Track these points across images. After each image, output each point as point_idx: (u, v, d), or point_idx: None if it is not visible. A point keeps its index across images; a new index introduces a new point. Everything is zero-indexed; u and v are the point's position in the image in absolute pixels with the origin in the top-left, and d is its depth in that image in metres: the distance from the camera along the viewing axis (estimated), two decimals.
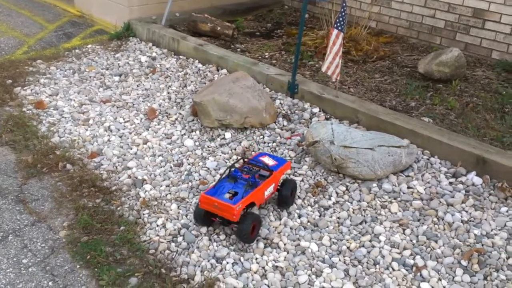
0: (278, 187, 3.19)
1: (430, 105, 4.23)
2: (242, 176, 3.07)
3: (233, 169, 3.12)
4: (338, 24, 3.77)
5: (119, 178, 3.53)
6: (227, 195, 2.91)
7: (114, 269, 2.72)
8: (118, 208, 3.22)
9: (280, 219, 3.11)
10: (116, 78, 5.01)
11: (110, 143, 3.92)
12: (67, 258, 2.81)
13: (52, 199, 3.30)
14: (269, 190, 3.11)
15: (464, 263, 2.77)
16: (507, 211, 3.11)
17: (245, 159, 3.25)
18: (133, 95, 4.67)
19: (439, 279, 2.69)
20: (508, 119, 3.96)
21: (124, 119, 4.27)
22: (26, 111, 4.34)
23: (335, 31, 3.80)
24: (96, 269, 2.73)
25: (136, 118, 4.29)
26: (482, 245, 2.86)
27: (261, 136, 3.96)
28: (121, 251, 2.87)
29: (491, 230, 2.98)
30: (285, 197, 3.16)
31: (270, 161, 3.24)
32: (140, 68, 5.20)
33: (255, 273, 2.74)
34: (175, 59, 5.36)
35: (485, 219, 3.05)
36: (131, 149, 3.86)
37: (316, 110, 4.19)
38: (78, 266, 2.76)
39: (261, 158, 3.27)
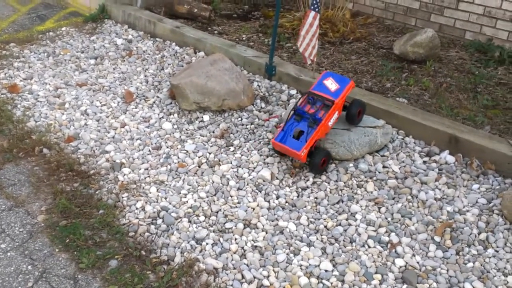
0: (347, 104, 3.45)
1: (405, 85, 4.30)
2: (306, 112, 3.31)
3: (297, 107, 3.36)
4: (316, 5, 3.78)
5: (97, 162, 3.52)
6: (293, 134, 3.27)
7: (93, 252, 2.73)
8: (97, 192, 3.22)
9: (256, 200, 3.16)
10: (92, 61, 4.95)
11: (87, 127, 3.89)
12: (46, 242, 2.81)
13: (29, 183, 3.28)
14: (333, 119, 3.34)
15: (437, 239, 2.85)
16: (478, 188, 3.20)
17: (309, 91, 3.41)
18: (110, 78, 4.63)
19: (413, 255, 2.77)
20: (480, 99, 4.05)
21: (100, 103, 4.23)
22: (0, 95, 4.27)
23: (312, 13, 3.81)
24: (75, 252, 2.74)
25: (113, 101, 4.26)
26: (455, 221, 2.95)
27: (239, 118, 3.98)
28: (101, 234, 2.88)
29: (463, 207, 3.07)
30: (352, 115, 3.44)
31: (333, 85, 3.37)
32: (116, 51, 5.15)
33: (235, 253, 2.78)
34: (152, 42, 5.31)
35: (458, 196, 3.14)
36: (108, 132, 3.84)
37: (293, 91, 4.22)
38: (57, 250, 2.76)
39: (325, 82, 3.41)
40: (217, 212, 3.07)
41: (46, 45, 5.31)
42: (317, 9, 3.79)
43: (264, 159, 3.49)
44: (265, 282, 2.59)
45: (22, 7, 6.35)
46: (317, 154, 3.28)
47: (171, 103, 4.20)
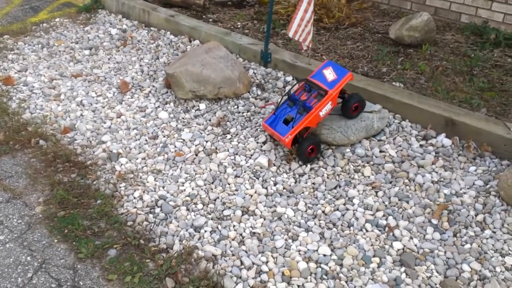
0: (346, 95, 3.42)
1: (401, 70, 4.29)
2: (300, 99, 3.29)
3: (291, 93, 3.35)
4: None
5: (93, 152, 3.51)
6: (286, 118, 3.26)
7: (92, 242, 2.74)
8: (94, 182, 3.22)
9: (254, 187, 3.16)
10: (87, 52, 4.92)
11: (83, 118, 3.88)
12: (44, 233, 2.82)
13: (26, 175, 3.28)
14: (326, 109, 3.28)
15: (434, 221, 2.87)
16: (475, 170, 3.21)
17: (306, 79, 3.40)
18: (105, 69, 4.61)
19: (411, 238, 2.78)
20: (477, 81, 4.05)
21: (96, 93, 4.22)
22: None
23: None
24: (74, 243, 2.75)
25: (109, 92, 4.25)
26: (452, 203, 2.96)
27: (236, 106, 3.97)
28: (99, 224, 2.89)
29: (460, 189, 3.08)
30: (347, 109, 3.39)
31: (331, 75, 3.34)
32: (110, 41, 5.12)
33: (233, 240, 2.79)
34: (146, 31, 5.28)
35: (455, 179, 3.15)
36: (104, 123, 3.84)
37: (289, 78, 4.21)
38: (56, 241, 2.77)
39: (324, 71, 3.38)
40: (215, 200, 3.08)
41: (40, 36, 5.27)
42: None
43: (261, 146, 3.49)
44: (264, 268, 2.61)
45: None
46: (304, 141, 3.23)
47: (167, 92, 4.19)
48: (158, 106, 4.03)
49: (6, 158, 3.43)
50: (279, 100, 3.85)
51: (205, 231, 2.84)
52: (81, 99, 4.11)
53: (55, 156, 3.42)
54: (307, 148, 3.22)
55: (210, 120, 3.83)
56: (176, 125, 3.79)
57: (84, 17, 5.76)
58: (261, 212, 2.98)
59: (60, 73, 4.53)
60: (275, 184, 3.19)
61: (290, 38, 4.85)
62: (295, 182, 3.22)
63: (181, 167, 3.35)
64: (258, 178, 3.24)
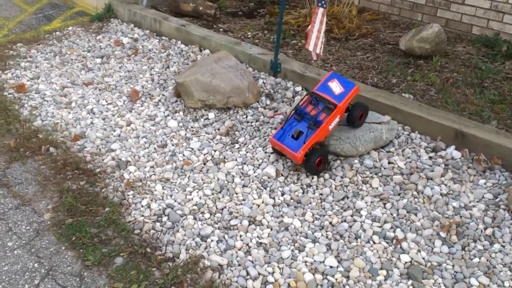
0: (349, 106, 3.38)
1: (411, 81, 4.28)
2: (308, 113, 3.27)
3: (299, 107, 3.33)
4: (323, 1, 3.76)
5: (103, 160, 3.54)
6: (293, 134, 3.23)
7: (99, 250, 2.75)
8: (103, 190, 3.24)
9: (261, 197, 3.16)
10: (98, 60, 4.97)
11: (93, 126, 3.92)
12: (52, 240, 2.84)
13: (36, 182, 3.31)
14: (334, 123, 3.29)
15: (443, 234, 2.84)
16: (485, 183, 3.18)
17: (312, 92, 3.38)
18: (116, 77, 4.65)
19: (419, 251, 2.76)
20: (487, 94, 4.02)
21: (106, 101, 4.26)
22: (8, 95, 4.31)
23: (320, 10, 3.78)
24: (81, 250, 2.76)
25: (119, 100, 4.28)
26: (461, 217, 2.93)
27: (244, 116, 3.98)
28: (106, 232, 2.90)
29: (469, 202, 3.05)
30: (354, 117, 3.38)
31: (337, 88, 3.31)
32: (122, 50, 5.17)
33: (239, 250, 2.79)
34: (157, 40, 5.33)
35: (464, 192, 3.12)
36: (114, 131, 3.86)
37: (298, 88, 4.21)
38: (63, 248, 2.79)
39: (329, 84, 3.36)
40: (222, 209, 3.08)
41: (53, 44, 5.34)
42: (324, 6, 3.77)
43: (269, 156, 3.49)
44: (270, 279, 2.60)
45: (29, 7, 6.39)
46: (312, 154, 3.20)
47: (176, 101, 4.21)
48: (168, 115, 4.06)
49: (17, 165, 3.47)
50: (287, 111, 3.86)
51: (212, 241, 2.84)
52: (91, 107, 4.15)
53: (64, 164, 3.45)
54: (315, 160, 3.20)
55: (218, 129, 3.84)
56: (185, 134, 3.81)
57: (97, 26, 5.82)
58: (268, 222, 2.97)
59: (72, 81, 4.57)
60: (282, 194, 3.19)
61: (301, 48, 4.87)
62: (303, 193, 3.21)
63: (189, 176, 3.36)
64: (265, 188, 3.24)
